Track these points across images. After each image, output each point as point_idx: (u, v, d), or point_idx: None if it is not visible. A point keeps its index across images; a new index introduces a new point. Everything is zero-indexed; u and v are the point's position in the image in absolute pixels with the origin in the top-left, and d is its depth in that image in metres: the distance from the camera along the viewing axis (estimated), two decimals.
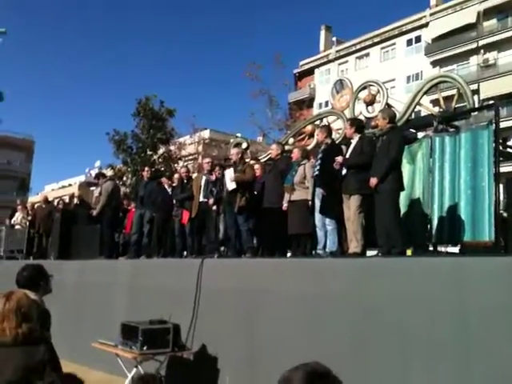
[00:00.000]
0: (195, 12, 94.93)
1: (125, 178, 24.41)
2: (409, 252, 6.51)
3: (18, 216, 13.77)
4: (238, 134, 24.16)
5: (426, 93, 8.69)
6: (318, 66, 42.23)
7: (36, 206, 14.27)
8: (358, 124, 6.61)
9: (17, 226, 13.70)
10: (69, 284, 9.08)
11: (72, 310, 8.97)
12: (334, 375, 1.51)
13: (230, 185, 7.65)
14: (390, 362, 4.52)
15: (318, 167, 6.67)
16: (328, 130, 7.22)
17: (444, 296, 4.30)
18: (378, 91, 9.41)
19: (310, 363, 1.54)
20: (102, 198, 9.95)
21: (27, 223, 13.32)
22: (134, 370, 5.91)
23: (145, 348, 5.79)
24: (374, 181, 5.77)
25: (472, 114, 7.28)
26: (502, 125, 7.93)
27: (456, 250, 7.10)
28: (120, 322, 6.28)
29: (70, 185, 55.85)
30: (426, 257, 5.70)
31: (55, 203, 14.25)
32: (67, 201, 16.42)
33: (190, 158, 31.47)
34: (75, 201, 13.42)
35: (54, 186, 60.11)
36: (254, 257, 7.40)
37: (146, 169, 10.43)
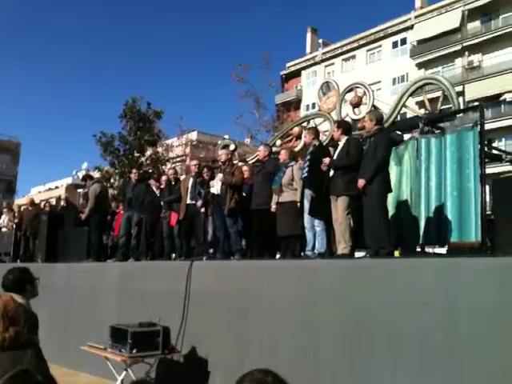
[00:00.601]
0: (184, 10, 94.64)
1: (112, 180, 24.26)
2: (397, 253, 6.55)
3: (4, 218, 13.66)
4: (226, 136, 24.23)
5: (411, 95, 8.78)
6: (304, 68, 42.39)
7: (22, 208, 14.16)
8: (345, 126, 6.64)
9: (3, 229, 13.59)
10: (57, 287, 9.02)
11: (60, 313, 8.91)
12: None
13: (214, 188, 7.71)
14: (380, 362, 4.55)
15: (306, 169, 6.69)
16: (315, 131, 7.25)
17: (432, 296, 4.35)
18: (365, 93, 9.50)
19: (257, 371, 1.56)
20: (90, 201, 9.87)
21: (13, 226, 13.21)
22: (124, 373, 5.89)
23: (134, 351, 5.77)
24: (361, 182, 5.82)
25: (457, 115, 7.33)
26: (487, 126, 8.02)
27: (443, 250, 7.16)
28: (109, 324, 6.26)
29: (56, 187, 55.28)
30: (414, 257, 5.75)
31: (42, 205, 14.14)
32: (54, 203, 16.30)
33: (178, 159, 31.38)
34: (62, 203, 13.31)
35: (41, 189, 59.50)
36: (243, 259, 7.41)
37: (134, 171, 10.36)
